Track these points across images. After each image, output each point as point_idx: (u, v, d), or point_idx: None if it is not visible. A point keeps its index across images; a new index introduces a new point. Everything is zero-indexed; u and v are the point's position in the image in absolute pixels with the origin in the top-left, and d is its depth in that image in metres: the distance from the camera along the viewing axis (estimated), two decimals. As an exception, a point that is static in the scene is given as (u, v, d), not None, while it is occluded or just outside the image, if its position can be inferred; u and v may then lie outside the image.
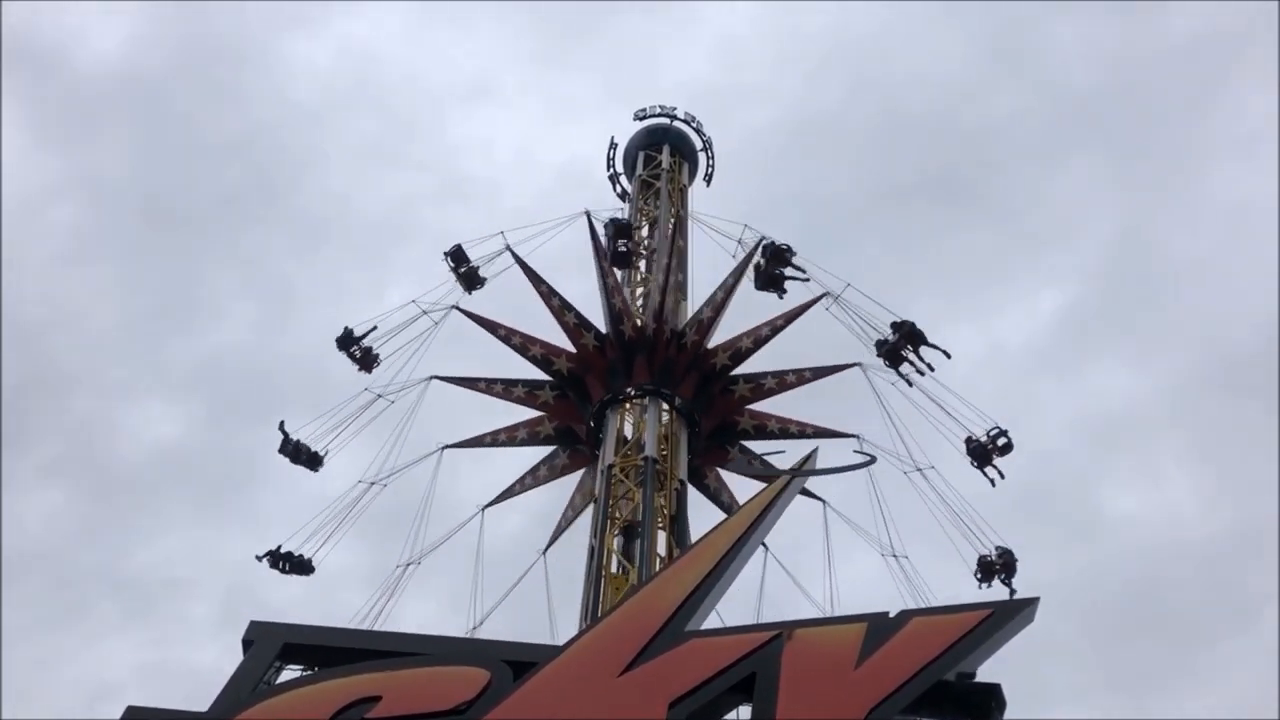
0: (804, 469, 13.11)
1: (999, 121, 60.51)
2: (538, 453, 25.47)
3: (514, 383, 25.07)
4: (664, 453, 22.99)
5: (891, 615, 10.32)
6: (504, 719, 9.11)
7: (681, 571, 11.10)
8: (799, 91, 62.44)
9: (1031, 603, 10.40)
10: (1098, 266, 57.65)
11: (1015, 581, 22.68)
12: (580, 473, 25.33)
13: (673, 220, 30.44)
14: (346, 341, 25.38)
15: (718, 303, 25.64)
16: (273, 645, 10.38)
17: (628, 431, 23.66)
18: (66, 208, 56.76)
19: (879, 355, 24.35)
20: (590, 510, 23.62)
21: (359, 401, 24.84)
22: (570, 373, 24.51)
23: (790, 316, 25.45)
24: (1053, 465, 51.83)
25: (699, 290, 26.70)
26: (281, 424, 24.48)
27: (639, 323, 24.91)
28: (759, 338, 25.04)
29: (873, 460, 14.21)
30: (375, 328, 25.37)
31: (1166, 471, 53.65)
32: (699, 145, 32.48)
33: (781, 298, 24.98)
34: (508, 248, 26.37)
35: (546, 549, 24.48)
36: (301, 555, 23.67)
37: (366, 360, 25.37)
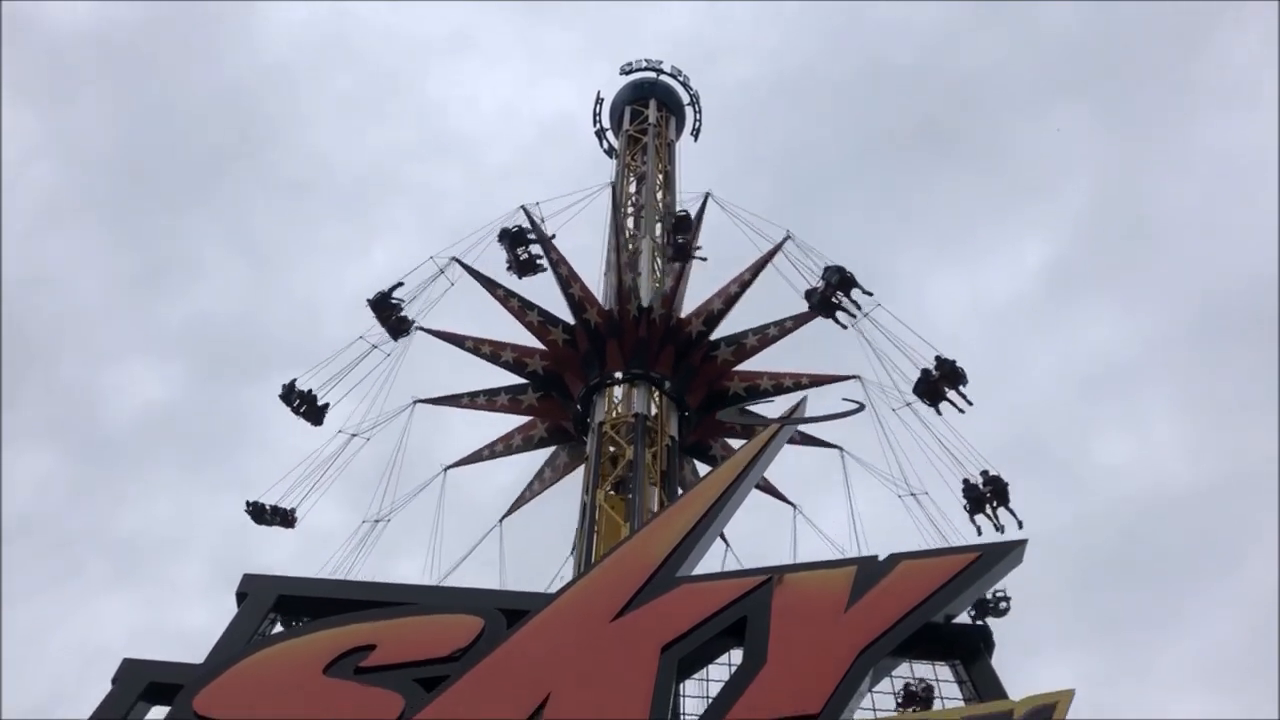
0: (793, 417, 13.16)
1: (982, 69, 60.47)
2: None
3: (495, 392, 24.34)
4: (655, 413, 22.69)
5: (880, 559, 10.42)
6: (498, 665, 9.17)
7: (672, 519, 11.17)
8: (781, 43, 62.23)
9: (1019, 545, 10.51)
10: (1083, 215, 57.73)
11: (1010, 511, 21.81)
12: (552, 450, 24.91)
13: (661, 175, 30.37)
14: (382, 305, 24.08)
15: (730, 296, 24.62)
16: (267, 597, 10.42)
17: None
18: (44, 168, 56.37)
19: (810, 305, 23.53)
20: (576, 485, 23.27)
21: (354, 352, 24.19)
22: (546, 371, 23.86)
23: (756, 269, 24.86)
24: (1040, 416, 52.15)
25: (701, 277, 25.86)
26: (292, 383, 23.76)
27: (606, 308, 23.94)
28: (729, 296, 24.49)
29: (861, 408, 14.27)
30: (401, 283, 24.28)
31: (1154, 421, 54.05)
32: (686, 99, 32.30)
33: (844, 327, 23.33)
34: (455, 260, 24.93)
35: (504, 517, 24.30)
36: (283, 507, 23.31)
37: (399, 327, 24.25)
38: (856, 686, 9.13)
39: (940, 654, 10.06)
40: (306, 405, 23.63)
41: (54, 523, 51.20)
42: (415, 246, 61.82)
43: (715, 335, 24.25)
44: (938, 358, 22.66)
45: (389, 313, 24.11)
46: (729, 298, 24.49)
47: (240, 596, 10.49)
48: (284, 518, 23.33)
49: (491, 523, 24.20)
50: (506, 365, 24.04)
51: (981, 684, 9.77)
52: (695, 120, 32.48)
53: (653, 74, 31.97)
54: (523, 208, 25.45)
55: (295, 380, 23.61)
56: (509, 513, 24.60)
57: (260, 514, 23.23)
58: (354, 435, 23.82)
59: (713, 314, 24.25)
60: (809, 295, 23.39)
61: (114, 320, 56.28)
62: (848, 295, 23.08)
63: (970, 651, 10.11)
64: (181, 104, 57.04)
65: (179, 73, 57.76)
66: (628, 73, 32.23)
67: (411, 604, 10.18)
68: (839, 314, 23.18)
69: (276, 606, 10.40)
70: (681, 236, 24.41)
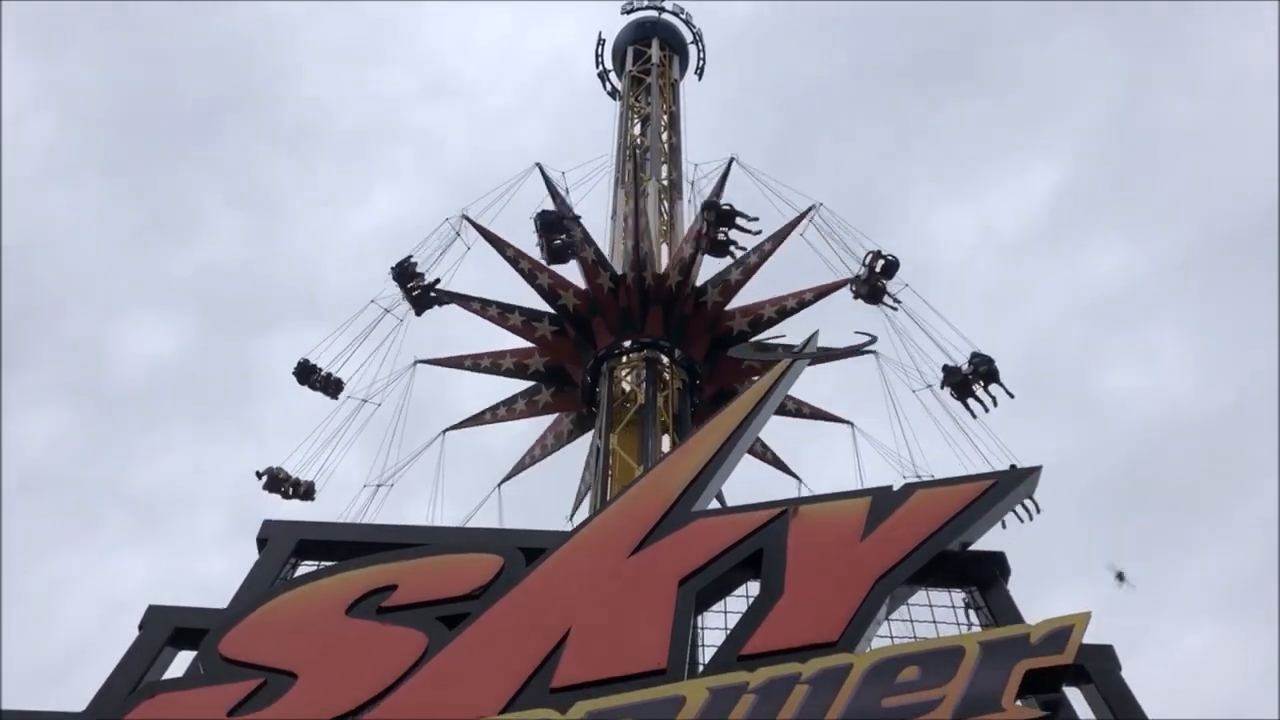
0: (805, 351, 13.16)
1: (986, -4, 59.60)
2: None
3: (510, 309, 23.33)
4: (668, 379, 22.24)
5: (895, 489, 10.47)
6: (518, 601, 9.27)
7: (686, 456, 11.22)
8: (780, -28, 61.44)
9: (1033, 472, 10.55)
10: (1091, 143, 57.28)
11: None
12: (555, 416, 24.34)
13: (665, 116, 30.12)
14: (406, 276, 23.61)
15: (750, 266, 23.49)
16: (287, 543, 10.51)
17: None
18: (43, 123, 56.21)
19: (856, 294, 22.84)
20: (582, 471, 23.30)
21: (367, 317, 23.90)
22: (576, 311, 22.76)
23: (778, 238, 23.84)
24: (1049, 345, 52.11)
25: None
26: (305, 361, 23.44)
27: (582, 288, 22.95)
28: (748, 267, 23.40)
29: (874, 340, 14.26)
30: (412, 258, 23.78)
31: (1162, 347, 53.98)
32: (689, 38, 32.01)
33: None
34: (464, 216, 24.31)
35: (503, 482, 24.11)
36: (304, 480, 22.98)
37: (421, 300, 23.77)
38: (874, 614, 9.22)
39: (956, 581, 10.14)
40: (323, 382, 23.36)
41: (69, 479, 51.70)
42: (418, 192, 61.74)
43: (732, 305, 23.29)
44: (974, 354, 21.88)
45: (413, 283, 23.47)
46: (748, 269, 23.36)
47: (261, 542, 10.58)
48: (302, 490, 23.04)
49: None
50: (540, 289, 23.11)
51: (998, 610, 9.85)
52: (699, 58, 32.21)
53: (654, 12, 31.67)
54: (538, 166, 24.82)
55: (308, 359, 23.27)
56: (508, 478, 24.37)
57: (277, 483, 22.86)
58: (364, 401, 23.51)
59: (729, 284, 23.20)
60: (854, 285, 22.81)
61: (119, 274, 56.39)
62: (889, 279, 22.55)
63: (986, 578, 10.18)
64: (178, 55, 56.77)
65: (176, 24, 57.42)
66: (629, 12, 31.93)
67: (431, 545, 10.27)
68: (886, 299, 22.57)
69: (297, 551, 10.49)
70: (723, 231, 22.51)
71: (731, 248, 22.43)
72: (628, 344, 22.06)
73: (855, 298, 23.00)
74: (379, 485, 22.92)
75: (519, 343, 23.48)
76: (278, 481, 22.85)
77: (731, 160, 26.65)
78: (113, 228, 56.82)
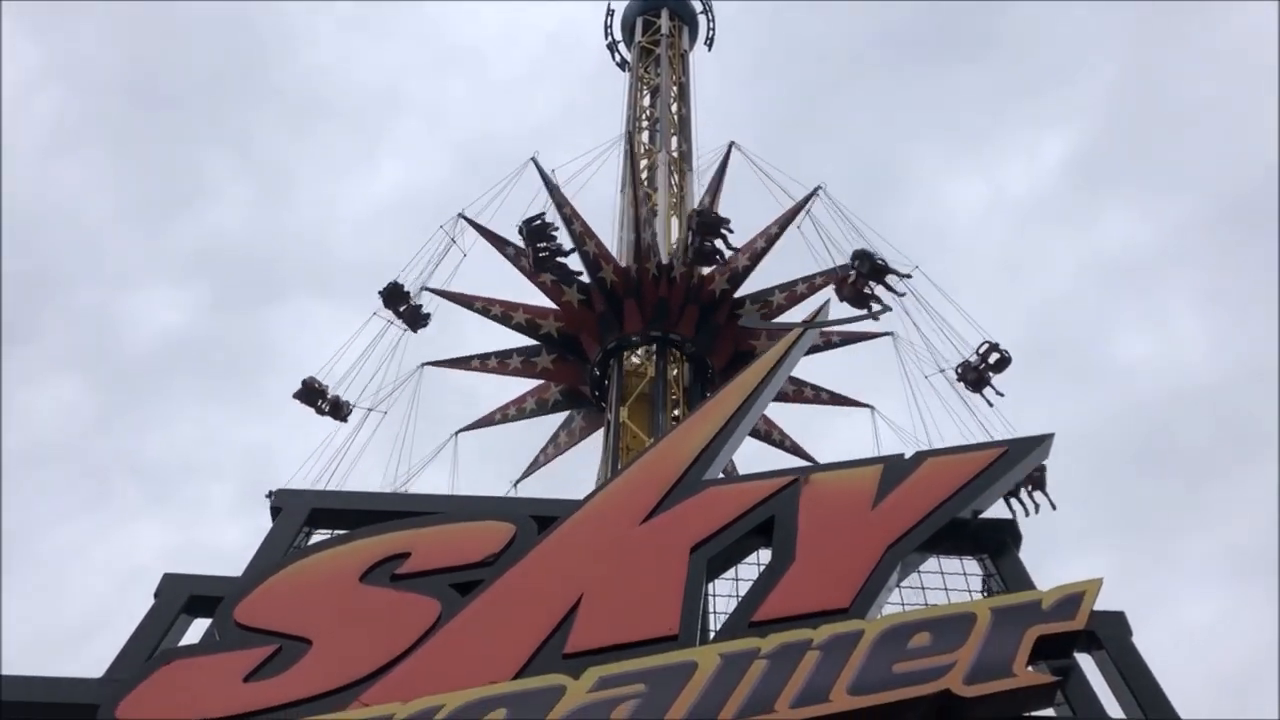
0: (817, 320, 13.13)
1: (997, -41, 59.10)
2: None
3: (507, 354, 23.35)
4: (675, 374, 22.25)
5: (906, 457, 10.47)
6: (531, 568, 9.30)
7: (698, 425, 11.22)
8: (788, -58, 60.89)
9: (1046, 439, 10.54)
10: (1104, 109, 56.91)
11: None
12: (567, 414, 24.28)
13: (675, 87, 29.97)
14: (394, 296, 23.05)
15: (756, 252, 23.31)
16: (300, 511, 10.57)
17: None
18: (49, 96, 56.18)
19: (841, 298, 21.12)
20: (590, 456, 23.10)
21: (375, 326, 23.41)
22: (561, 333, 22.80)
23: (783, 223, 23.62)
24: (1061, 313, 51.97)
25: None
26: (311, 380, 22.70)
27: (623, 265, 22.85)
28: (755, 252, 23.23)
29: (887, 309, 14.19)
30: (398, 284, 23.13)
31: (1175, 314, 53.77)
32: (698, 8, 31.84)
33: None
34: (461, 215, 24.13)
35: (518, 481, 24.09)
36: (341, 399, 22.50)
37: (416, 317, 23.37)
38: (885, 581, 9.24)
39: (968, 549, 10.15)
40: (331, 405, 22.56)
41: (81, 449, 51.94)
42: (425, 162, 61.63)
43: (740, 293, 23.12)
44: (983, 343, 21.45)
45: (402, 303, 23.03)
46: (755, 253, 23.23)
47: (274, 511, 10.64)
48: (336, 407, 22.54)
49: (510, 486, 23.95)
50: (519, 327, 23.11)
51: (1009, 577, 9.89)
52: (708, 28, 32.04)
53: (663, -18, 31.45)
54: (533, 160, 24.30)
55: (313, 378, 22.54)
56: (523, 477, 24.34)
57: (313, 395, 22.45)
58: (370, 410, 23.06)
59: (738, 271, 22.97)
60: (838, 288, 21.32)
61: (127, 246, 56.48)
62: (881, 282, 20.89)
63: (998, 546, 10.20)
64: (185, 26, 56.62)
65: (180, -5, 57.07)
66: (638, -18, 31.73)
67: (443, 513, 10.30)
68: (872, 304, 21.12)
69: (310, 519, 10.55)
70: (707, 240, 21.97)
71: (718, 256, 22.04)
72: (638, 335, 21.94)
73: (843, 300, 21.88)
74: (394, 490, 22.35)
75: (534, 303, 23.26)
76: (314, 393, 22.52)
77: (731, 146, 26.44)
78: (120, 199, 56.86)
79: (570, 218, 23.24)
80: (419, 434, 23.07)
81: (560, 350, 23.22)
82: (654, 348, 22.22)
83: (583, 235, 22.96)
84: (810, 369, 23.48)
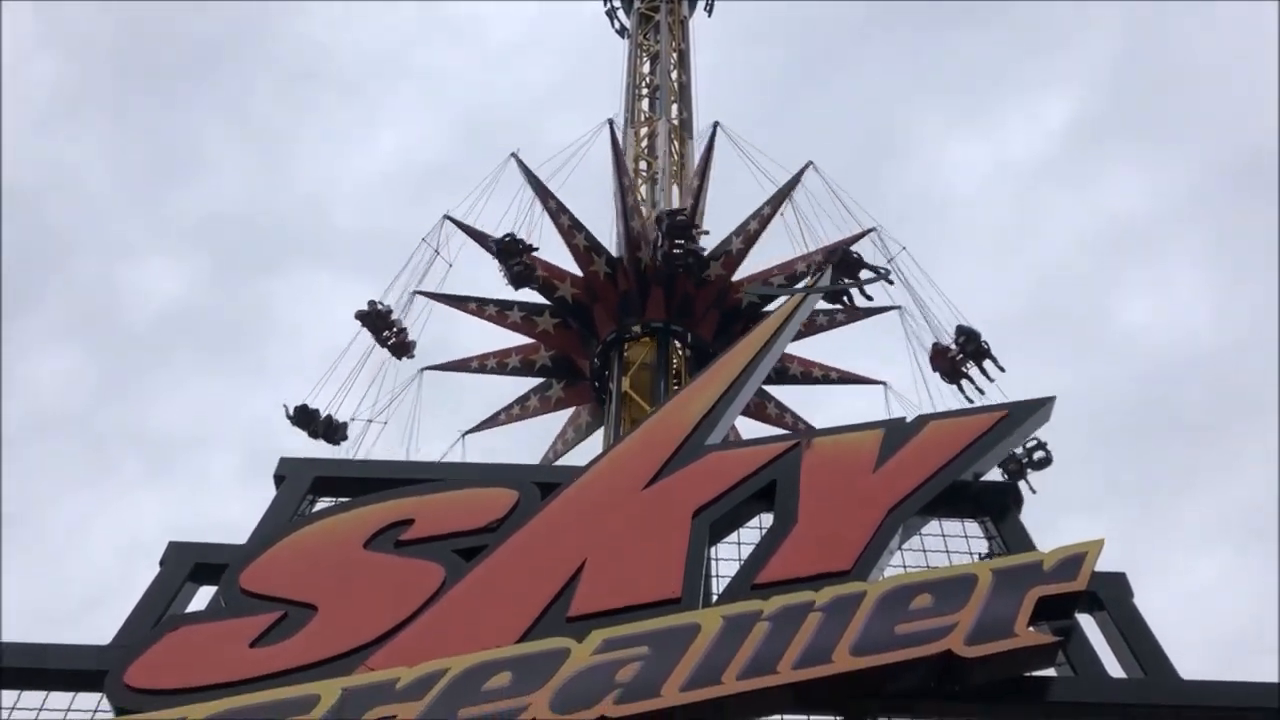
0: (819, 285, 13.13)
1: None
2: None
3: (508, 305, 22.23)
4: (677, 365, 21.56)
5: (908, 420, 10.50)
6: (534, 534, 9.35)
7: (700, 390, 11.25)
8: (786, -98, 60.39)
9: (1047, 402, 10.56)
10: (1107, 71, 56.54)
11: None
12: (573, 410, 23.44)
13: (675, 54, 29.80)
14: (372, 321, 21.55)
15: (751, 234, 22.47)
16: (304, 479, 10.61)
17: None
18: (45, 65, 55.88)
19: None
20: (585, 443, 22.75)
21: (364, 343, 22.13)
22: (575, 300, 21.78)
23: (775, 202, 22.96)
24: (1063, 277, 51.88)
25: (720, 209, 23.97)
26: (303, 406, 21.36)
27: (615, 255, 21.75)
28: (749, 234, 22.46)
29: (889, 273, 14.15)
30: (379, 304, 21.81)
31: (1179, 278, 53.65)
32: (698, -26, 31.59)
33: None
34: (514, 156, 23.33)
35: (469, 433, 23.26)
36: (332, 418, 21.24)
37: (401, 347, 21.91)
38: (886, 544, 9.29)
39: (969, 511, 10.20)
40: (324, 427, 21.23)
41: (83, 420, 52.03)
42: (423, 130, 61.37)
43: (738, 275, 22.04)
44: (959, 329, 20.12)
45: (384, 329, 21.58)
46: (749, 236, 22.46)
47: (278, 479, 10.68)
48: (330, 430, 21.32)
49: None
50: (516, 371, 22.26)
51: (1011, 539, 9.93)
52: (709, -7, 31.81)
53: (663, -52, 31.12)
54: (514, 156, 23.35)
55: (305, 404, 21.09)
56: (475, 429, 23.38)
57: (377, 322, 21.25)
58: (370, 421, 21.89)
59: (732, 255, 22.18)
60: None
61: (126, 215, 56.29)
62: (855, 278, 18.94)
63: (999, 508, 10.24)
64: (178, -8, 56.06)
65: (175, -41, 56.62)
66: (637, -52, 31.43)
67: (446, 480, 10.34)
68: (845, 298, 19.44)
69: (314, 488, 10.59)
70: (677, 245, 20.65)
71: (690, 259, 20.91)
72: (637, 328, 21.17)
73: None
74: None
75: (523, 339, 22.57)
76: (378, 319, 21.35)
77: (716, 127, 26.10)
78: (119, 169, 56.62)
79: (556, 211, 22.44)
80: (426, 435, 22.41)
81: (564, 377, 22.54)
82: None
83: (571, 229, 22.21)
84: (815, 349, 23.03)
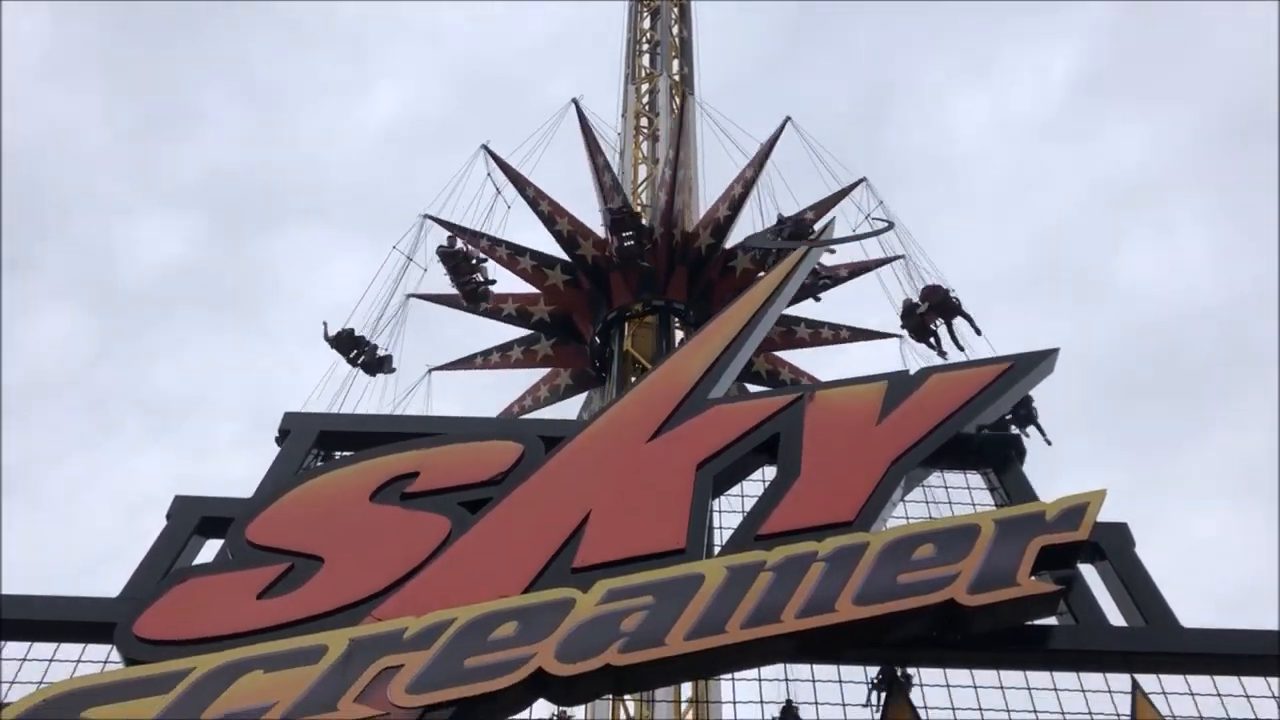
0: (821, 238, 13.08)
1: None
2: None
3: (507, 347, 22.20)
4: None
5: (911, 373, 10.51)
6: (539, 486, 9.39)
7: (703, 343, 11.24)
8: None
9: (1051, 354, 10.55)
10: (1110, 23, 56.04)
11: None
12: (585, 395, 23.31)
13: (676, 9, 29.53)
14: (345, 345, 20.84)
15: (735, 198, 22.16)
16: (309, 433, 10.62)
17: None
18: (37, 21, 55.46)
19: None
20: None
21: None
22: (554, 317, 21.67)
23: (757, 163, 22.64)
24: (1067, 233, 51.73)
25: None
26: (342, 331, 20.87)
27: (602, 238, 21.46)
28: (734, 199, 22.15)
29: (890, 226, 14.08)
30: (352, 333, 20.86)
31: (1183, 232, 53.49)
32: (699, -73, 31.17)
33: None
34: (574, 101, 23.13)
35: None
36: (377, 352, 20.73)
37: (375, 364, 21.11)
38: (889, 495, 9.31)
39: (972, 463, 10.22)
40: (369, 358, 20.64)
41: (84, 381, 52.12)
42: (420, 85, 60.95)
43: (729, 244, 22.06)
44: (925, 288, 19.33)
45: (356, 351, 20.80)
46: (734, 201, 22.15)
47: (283, 434, 10.70)
48: (375, 364, 20.71)
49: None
50: (510, 319, 22.10)
51: (1013, 490, 9.96)
52: (710, -52, 31.42)
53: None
54: (484, 148, 22.74)
55: (351, 329, 20.59)
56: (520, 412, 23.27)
57: (458, 262, 20.57)
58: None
59: (719, 222, 21.94)
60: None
61: (124, 174, 56.13)
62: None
63: (1002, 460, 10.27)
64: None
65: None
66: (637, -99, 31.04)
67: (451, 434, 10.36)
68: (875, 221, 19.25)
69: (318, 442, 10.62)
70: (626, 238, 20.28)
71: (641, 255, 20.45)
72: (638, 306, 20.99)
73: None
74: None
75: (524, 288, 22.27)
76: (459, 258, 20.65)
77: (685, 96, 25.70)
78: (115, 127, 56.41)
79: (535, 199, 22.13)
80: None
81: (557, 335, 22.30)
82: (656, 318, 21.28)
83: (552, 214, 21.91)
84: (823, 310, 22.76)
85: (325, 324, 20.63)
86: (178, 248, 56.06)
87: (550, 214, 21.92)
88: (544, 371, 23.49)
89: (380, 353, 21.08)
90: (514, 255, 22.00)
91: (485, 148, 22.97)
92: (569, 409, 23.22)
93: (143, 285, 54.56)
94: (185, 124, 58.93)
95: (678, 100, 27.50)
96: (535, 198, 22.12)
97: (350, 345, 20.81)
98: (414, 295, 21.84)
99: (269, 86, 59.81)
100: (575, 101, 24.16)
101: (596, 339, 21.53)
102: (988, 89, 59.93)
